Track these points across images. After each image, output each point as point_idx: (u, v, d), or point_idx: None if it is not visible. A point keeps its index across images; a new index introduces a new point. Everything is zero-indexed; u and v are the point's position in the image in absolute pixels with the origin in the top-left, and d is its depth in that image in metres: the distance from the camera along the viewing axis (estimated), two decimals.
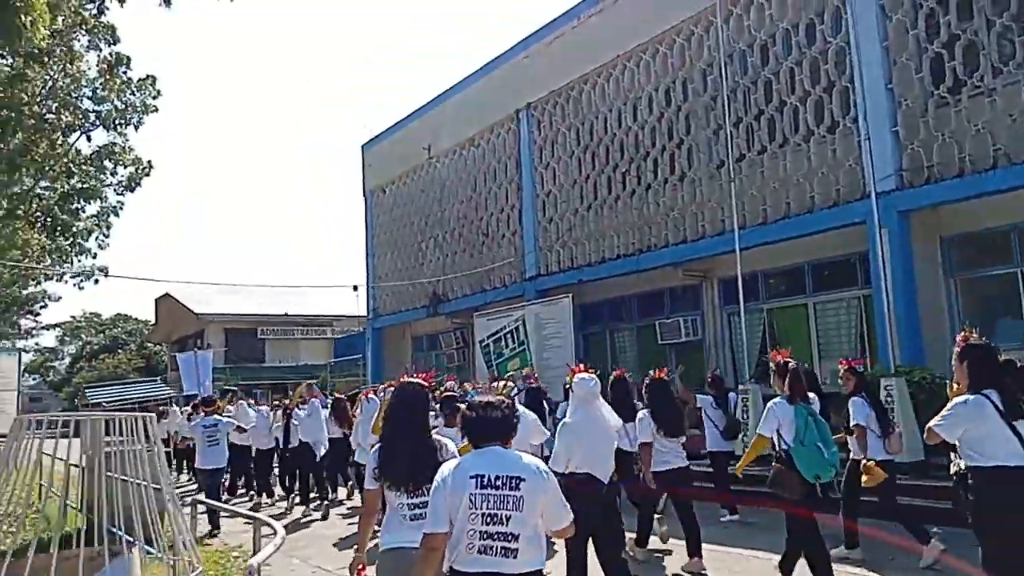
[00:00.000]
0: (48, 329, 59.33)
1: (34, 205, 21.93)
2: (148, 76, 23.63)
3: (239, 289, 42.66)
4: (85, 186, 23.01)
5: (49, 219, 22.31)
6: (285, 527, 6.64)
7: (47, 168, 21.58)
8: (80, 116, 22.15)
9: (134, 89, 23.42)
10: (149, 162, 25.04)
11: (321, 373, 27.91)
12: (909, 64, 9.77)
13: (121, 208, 30.72)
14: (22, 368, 67.06)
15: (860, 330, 10.80)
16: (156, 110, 24.12)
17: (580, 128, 14.64)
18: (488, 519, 2.78)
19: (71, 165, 22.51)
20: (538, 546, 2.89)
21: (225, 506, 9.19)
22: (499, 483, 2.81)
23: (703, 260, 12.55)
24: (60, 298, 57.90)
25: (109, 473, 4.89)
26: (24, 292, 46.94)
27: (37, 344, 60.89)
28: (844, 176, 10.46)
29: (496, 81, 16.73)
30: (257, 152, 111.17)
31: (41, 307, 51.03)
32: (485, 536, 2.79)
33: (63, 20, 19.21)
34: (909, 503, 6.83)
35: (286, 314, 37.97)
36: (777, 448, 5.08)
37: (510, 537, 2.79)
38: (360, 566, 3.48)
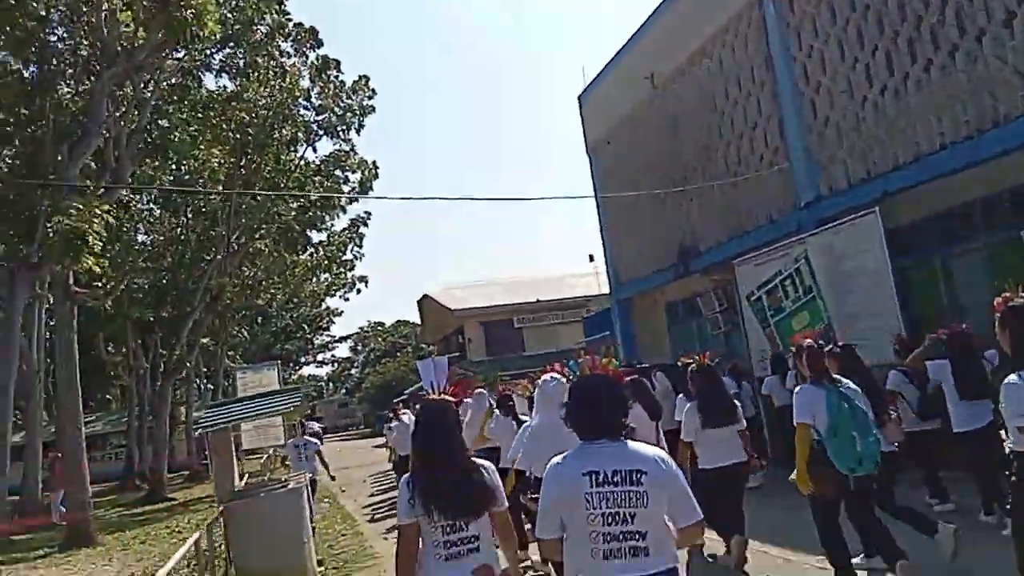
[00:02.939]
0: (340, 342, 65.37)
1: (274, 224, 22.27)
2: (361, 76, 23.05)
3: (493, 282, 42.58)
4: (316, 198, 22.98)
5: (291, 235, 22.56)
6: None
7: (280, 183, 21.81)
8: (302, 127, 22.07)
9: (348, 92, 23.02)
10: (374, 163, 24.75)
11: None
12: None
13: (369, 217, 31.53)
14: (327, 379, 75.67)
15: None
16: (373, 110, 23.54)
17: None
18: (610, 519, 2.55)
19: (302, 177, 22.62)
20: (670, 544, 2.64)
21: None
22: (618, 479, 2.57)
23: None
24: (342, 312, 63.10)
25: None
26: (312, 311, 51.35)
27: (334, 356, 67.42)
28: None
29: None
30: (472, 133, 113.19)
31: (329, 323, 56.08)
32: (609, 538, 2.56)
33: (263, 30, 18.95)
34: None
35: (538, 300, 36.61)
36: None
37: (637, 536, 2.56)
38: None
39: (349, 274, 35.98)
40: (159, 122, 17.37)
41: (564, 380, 4.66)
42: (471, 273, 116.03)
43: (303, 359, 60.81)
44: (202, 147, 22.10)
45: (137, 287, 25.16)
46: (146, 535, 12.89)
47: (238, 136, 20.09)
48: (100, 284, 14.24)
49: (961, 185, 9.34)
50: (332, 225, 30.51)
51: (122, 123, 14.19)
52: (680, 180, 15.02)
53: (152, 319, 24.37)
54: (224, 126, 20.02)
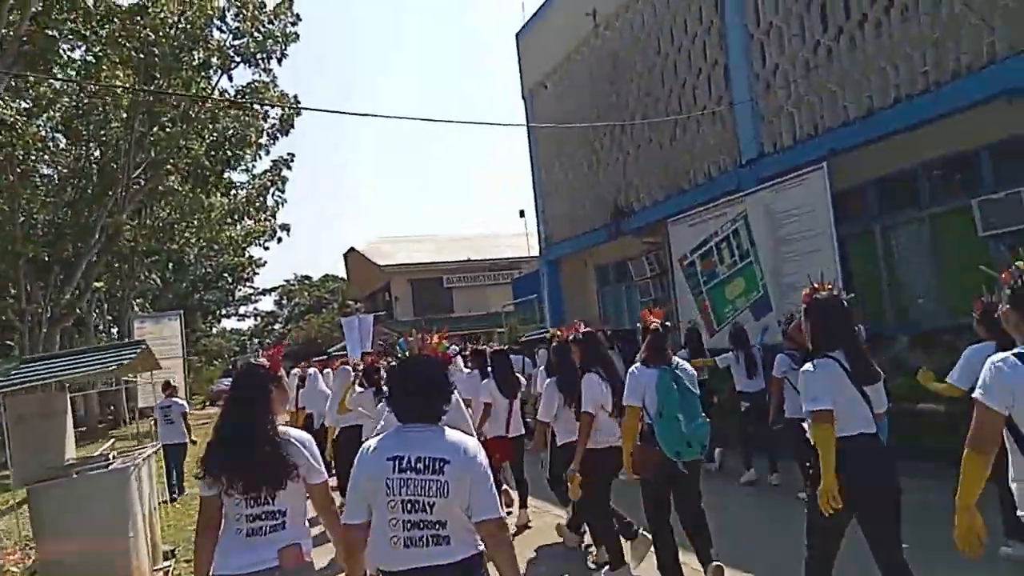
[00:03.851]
0: (264, 294, 62.81)
1: (182, 157, 20.33)
2: (283, 0, 21.13)
3: (424, 238, 41.15)
4: (231, 133, 21.10)
5: (201, 172, 20.67)
6: None
7: (190, 114, 19.90)
8: (216, 52, 20.09)
9: (270, 16, 21.10)
10: (295, 97, 22.91)
11: (510, 320, 24.74)
12: None
13: (292, 159, 29.60)
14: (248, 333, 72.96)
15: None
16: (297, 38, 21.67)
17: None
18: (410, 506, 2.51)
19: (215, 110, 20.70)
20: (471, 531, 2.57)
21: None
22: (420, 466, 2.52)
23: None
24: (265, 263, 60.60)
25: None
26: (234, 260, 48.99)
27: (256, 310, 64.81)
28: None
29: None
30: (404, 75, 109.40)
31: (251, 274, 53.63)
32: (409, 526, 2.51)
33: None
34: None
35: (469, 259, 35.43)
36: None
37: (437, 525, 2.51)
38: None
39: (270, 221, 34.08)
40: (46, 31, 15.31)
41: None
42: (403, 229, 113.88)
43: (224, 311, 58.06)
44: (104, 67, 20.04)
45: (35, 222, 22.94)
46: None
47: (142, 56, 18.07)
48: None
49: (914, 143, 8.56)
50: (253, 166, 28.64)
51: None
52: (618, 131, 14.01)
53: (47, 258, 22.22)
54: (127, 44, 17.97)
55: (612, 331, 10.43)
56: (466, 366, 8.35)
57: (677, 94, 12.28)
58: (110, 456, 5.84)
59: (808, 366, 3.53)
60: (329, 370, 9.94)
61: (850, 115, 9.22)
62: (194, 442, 10.70)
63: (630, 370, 4.61)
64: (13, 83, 14.65)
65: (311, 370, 10.55)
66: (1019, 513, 2.71)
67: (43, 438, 5.50)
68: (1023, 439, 2.60)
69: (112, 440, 10.96)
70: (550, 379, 5.62)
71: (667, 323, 4.80)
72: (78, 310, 21.51)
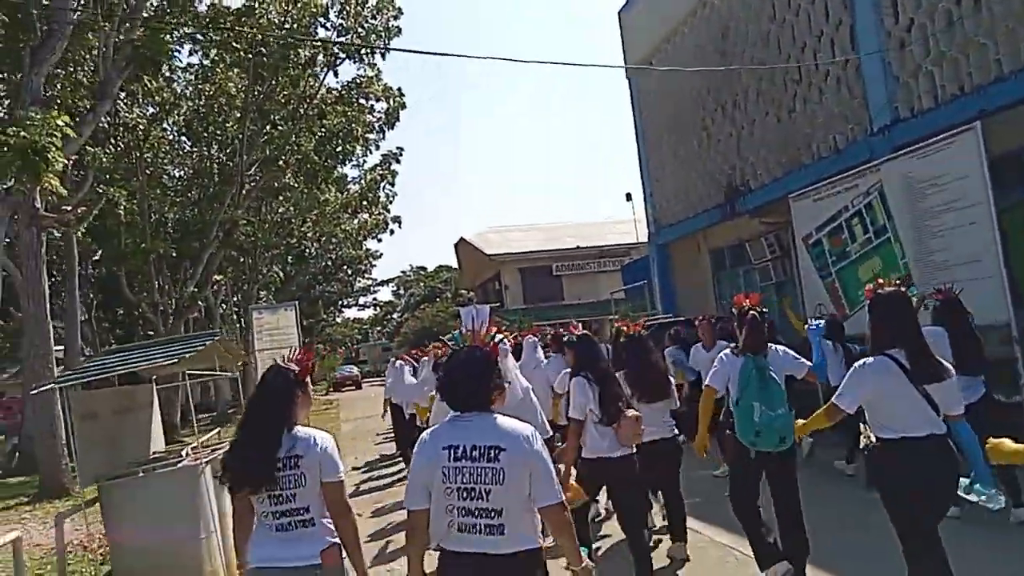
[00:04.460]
0: (382, 285, 64.65)
1: (292, 154, 20.81)
2: None
3: (533, 227, 40.78)
4: (338, 126, 21.37)
5: (308, 166, 21.10)
6: None
7: (300, 111, 20.32)
8: (321, 49, 20.39)
9: (373, 12, 21.23)
10: (399, 90, 23.01)
11: (621, 307, 24.01)
12: None
13: (401, 153, 29.97)
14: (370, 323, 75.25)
15: None
16: (399, 32, 21.73)
17: None
18: (466, 494, 2.54)
19: (322, 105, 21.05)
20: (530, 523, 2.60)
21: None
22: (476, 454, 2.55)
23: None
24: (381, 255, 62.20)
25: None
26: (352, 252, 50.53)
27: (375, 300, 66.80)
28: None
29: None
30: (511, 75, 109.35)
31: (369, 266, 55.21)
32: (464, 512, 2.55)
33: None
34: None
35: (578, 247, 34.77)
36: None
37: (493, 513, 2.53)
38: None
39: (383, 213, 34.72)
40: (159, 35, 15.90)
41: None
42: (513, 219, 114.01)
43: (345, 302, 60.11)
44: (219, 70, 20.81)
45: (166, 220, 24.32)
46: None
47: (251, 56, 18.57)
48: (81, 209, 12.96)
49: None
50: (364, 161, 29.18)
51: (106, 27, 12.79)
52: (731, 106, 13.01)
53: (175, 254, 23.48)
54: (235, 44, 18.53)
55: (717, 318, 9.67)
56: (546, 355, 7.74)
57: (796, 61, 11.19)
58: (184, 452, 5.64)
59: (860, 362, 3.49)
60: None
61: (1004, 70, 7.96)
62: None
63: (719, 356, 4.64)
64: (133, 88, 15.30)
65: (399, 363, 10.47)
66: None
67: (116, 434, 5.37)
68: None
69: (218, 430, 11.19)
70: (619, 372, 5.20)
71: (764, 309, 4.70)
72: (200, 302, 22.49)
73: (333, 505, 2.96)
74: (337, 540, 2.96)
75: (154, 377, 5.64)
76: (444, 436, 2.64)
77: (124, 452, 5.36)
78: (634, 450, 4.56)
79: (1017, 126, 8.05)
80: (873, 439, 3.53)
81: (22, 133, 9.79)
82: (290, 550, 2.86)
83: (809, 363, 4.71)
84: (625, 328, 5.42)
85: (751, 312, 4.51)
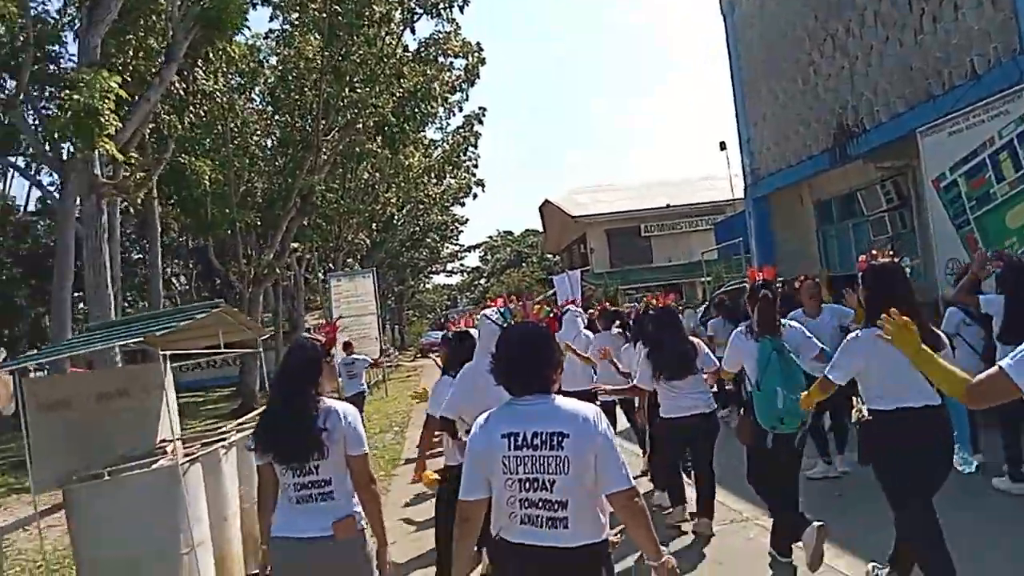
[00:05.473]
0: (469, 251, 64.50)
1: (370, 116, 20.25)
2: None
3: (619, 186, 39.28)
4: (418, 86, 20.61)
5: (386, 128, 20.53)
6: None
7: (375, 70, 19.69)
8: (396, 4, 19.60)
9: None
10: (478, 44, 22.03)
11: (715, 267, 22.60)
12: None
13: (484, 113, 29.07)
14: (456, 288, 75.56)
15: None
16: None
17: None
18: (528, 485, 2.40)
19: (400, 64, 20.34)
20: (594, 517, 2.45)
21: None
22: (537, 442, 2.40)
23: None
24: (467, 220, 61.91)
25: None
26: (439, 218, 50.39)
27: (462, 266, 66.81)
28: None
29: None
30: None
31: (456, 231, 55.07)
32: (527, 504, 2.42)
33: None
34: None
35: (668, 206, 33.16)
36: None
37: (557, 505, 2.39)
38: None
39: (468, 177, 34.08)
40: None
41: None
42: (601, 179, 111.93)
43: (433, 268, 60.36)
44: (296, 33, 20.43)
45: (256, 190, 24.46)
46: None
47: (325, 16, 18.03)
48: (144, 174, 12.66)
49: None
50: (447, 124, 28.48)
51: None
52: (843, 35, 11.48)
53: (260, 223, 23.59)
54: (311, 5, 18.06)
55: (831, 277, 8.43)
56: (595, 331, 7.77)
57: None
58: (167, 449, 4.68)
59: (852, 334, 3.60)
60: None
61: None
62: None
63: (732, 338, 4.60)
64: (207, 53, 14.99)
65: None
66: None
67: (99, 425, 4.55)
68: None
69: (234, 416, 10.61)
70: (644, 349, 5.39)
71: (779, 284, 4.66)
72: (278, 270, 22.51)
73: (358, 476, 2.97)
74: (355, 511, 2.95)
75: (165, 353, 4.85)
76: (503, 422, 2.48)
77: (109, 445, 4.54)
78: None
79: None
80: (865, 413, 3.56)
81: (75, 96, 9.51)
82: (308, 521, 2.87)
83: (820, 344, 4.56)
84: (655, 301, 5.43)
85: (763, 291, 4.42)
